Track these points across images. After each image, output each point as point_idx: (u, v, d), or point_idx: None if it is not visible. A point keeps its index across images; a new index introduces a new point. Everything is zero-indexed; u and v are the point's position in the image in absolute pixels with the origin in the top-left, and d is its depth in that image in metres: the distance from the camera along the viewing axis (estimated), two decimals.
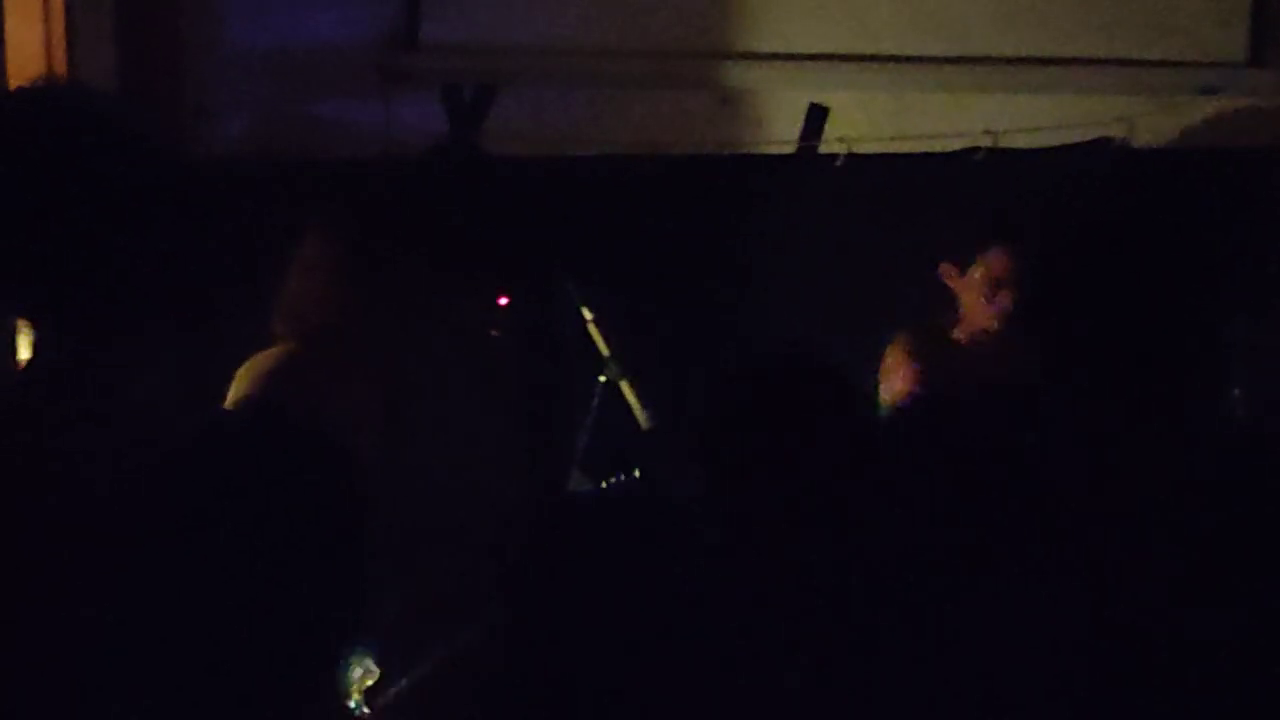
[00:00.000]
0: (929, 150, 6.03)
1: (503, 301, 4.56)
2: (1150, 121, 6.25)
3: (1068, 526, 1.69)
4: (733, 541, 2.58)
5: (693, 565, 2.47)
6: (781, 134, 5.99)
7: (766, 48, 5.95)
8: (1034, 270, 5.09)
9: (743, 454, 2.82)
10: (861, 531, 2.10)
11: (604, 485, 4.33)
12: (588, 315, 4.59)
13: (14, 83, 4.33)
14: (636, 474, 4.32)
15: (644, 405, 4.53)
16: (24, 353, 3.89)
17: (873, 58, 6.02)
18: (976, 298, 5.06)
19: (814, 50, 5.98)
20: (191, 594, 2.02)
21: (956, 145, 6.06)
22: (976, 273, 5.05)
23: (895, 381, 5.09)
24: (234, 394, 3.97)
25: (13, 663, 2.13)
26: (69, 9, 4.67)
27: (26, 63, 4.56)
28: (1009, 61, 6.17)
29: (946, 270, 5.10)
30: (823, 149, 5.99)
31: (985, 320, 5.07)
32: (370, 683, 3.78)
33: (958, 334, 5.15)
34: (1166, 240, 6.08)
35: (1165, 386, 5.32)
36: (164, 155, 2.50)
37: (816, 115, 5.99)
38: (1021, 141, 6.11)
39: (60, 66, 4.66)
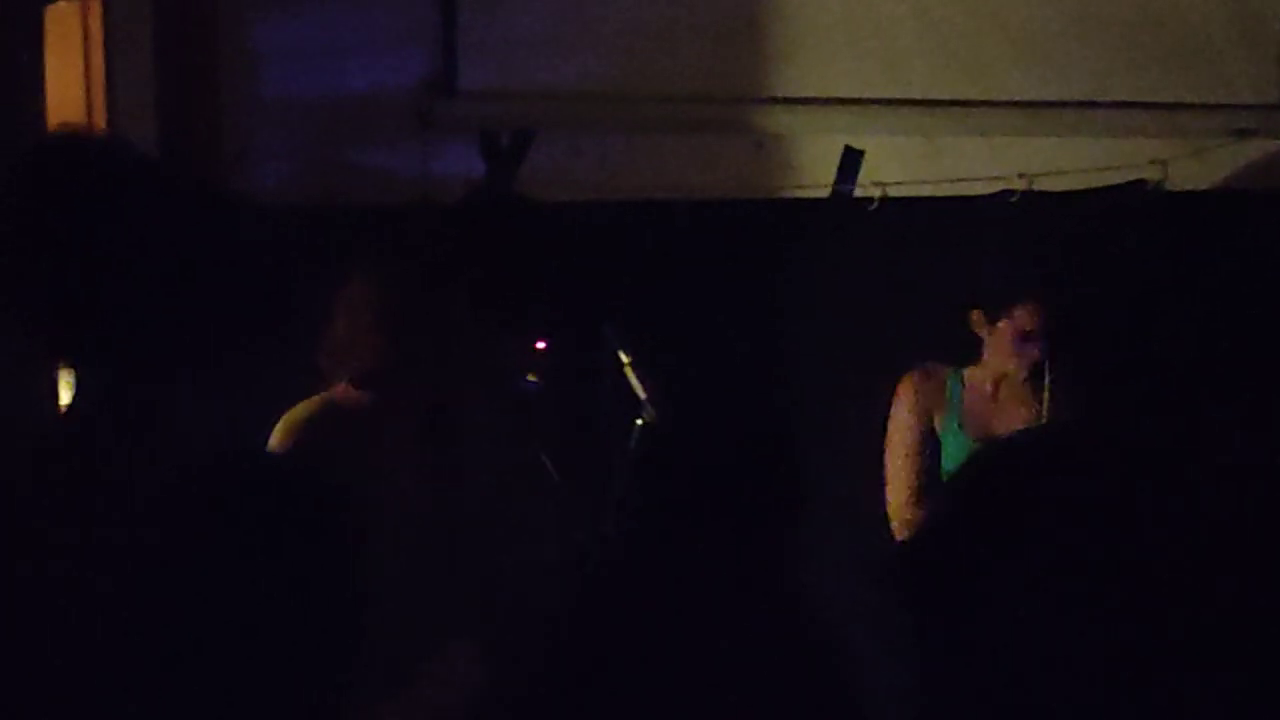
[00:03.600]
0: (963, 193, 6.03)
1: (540, 346, 4.56)
2: (1184, 164, 6.25)
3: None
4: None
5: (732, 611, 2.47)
6: (816, 178, 6.00)
7: (801, 92, 5.96)
8: (1065, 313, 5.08)
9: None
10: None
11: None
12: (625, 359, 4.59)
13: (54, 126, 4.36)
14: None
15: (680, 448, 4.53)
16: (66, 397, 3.93)
17: (906, 101, 6.04)
18: (1004, 346, 5.05)
19: (848, 94, 5.99)
20: (205, 636, 2.05)
21: (990, 188, 6.06)
22: (1006, 325, 5.04)
23: (899, 414, 5.11)
24: (274, 441, 3.98)
25: (39, 683, 2.15)
26: (109, 53, 4.70)
27: (66, 106, 4.58)
28: (1042, 105, 6.18)
29: (977, 319, 5.10)
30: (857, 193, 6.00)
31: (1012, 369, 5.06)
32: None
33: (972, 374, 5.13)
34: (1200, 283, 6.08)
35: (1198, 428, 5.30)
36: (203, 198, 2.51)
37: (851, 159, 6.00)
38: (1055, 184, 6.10)
39: (99, 110, 4.69)
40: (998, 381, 5.11)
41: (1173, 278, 6.03)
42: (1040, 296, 5.00)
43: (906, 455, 5.08)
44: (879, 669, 2.60)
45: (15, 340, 2.63)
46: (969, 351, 5.14)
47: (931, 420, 5.10)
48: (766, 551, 2.86)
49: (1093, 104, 6.21)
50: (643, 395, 4.56)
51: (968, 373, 5.14)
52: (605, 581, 3.98)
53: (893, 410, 5.14)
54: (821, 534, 5.27)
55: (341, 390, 4.09)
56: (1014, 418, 5.04)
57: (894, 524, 5.06)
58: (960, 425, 5.08)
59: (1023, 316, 5.01)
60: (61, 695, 2.11)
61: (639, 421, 4.55)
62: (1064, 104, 6.19)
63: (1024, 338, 5.01)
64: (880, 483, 5.12)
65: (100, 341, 2.42)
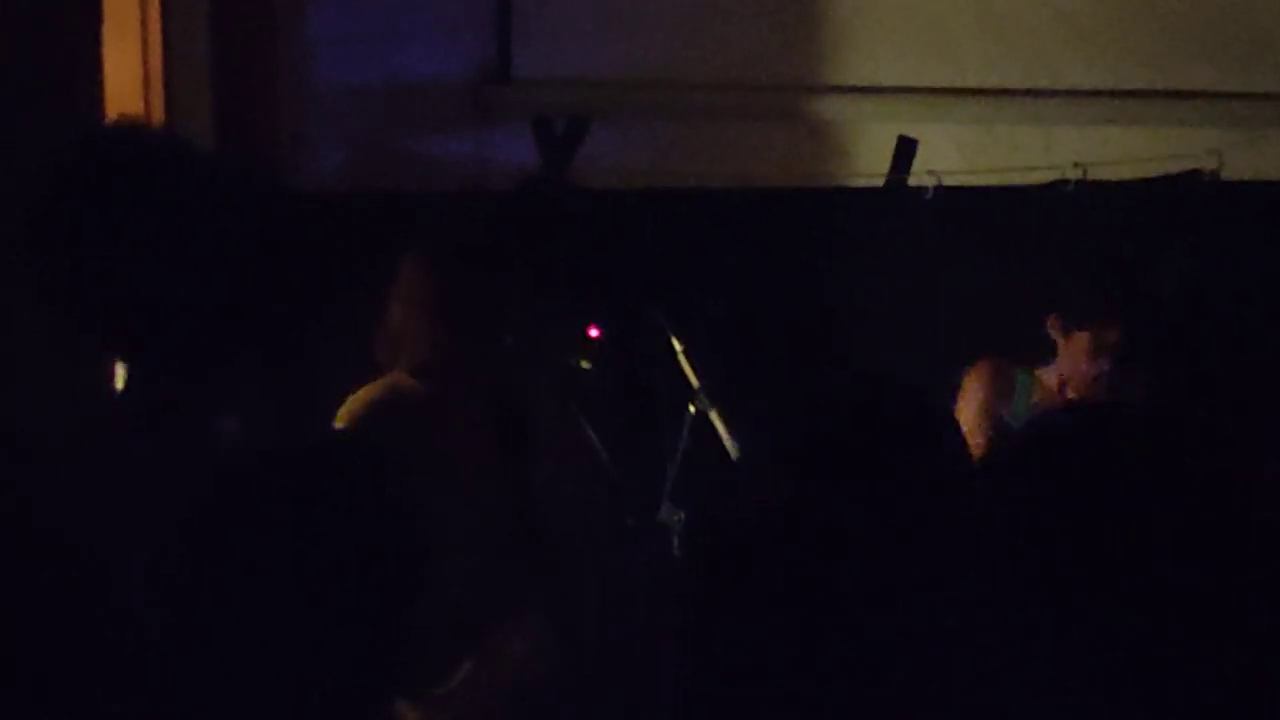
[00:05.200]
0: (1018, 183, 6.01)
1: (594, 333, 4.57)
2: (1240, 153, 6.21)
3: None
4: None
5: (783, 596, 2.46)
6: (871, 166, 5.99)
7: (855, 80, 5.95)
8: (1125, 304, 5.07)
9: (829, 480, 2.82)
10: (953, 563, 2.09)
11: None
12: (678, 346, 4.59)
13: (112, 117, 4.38)
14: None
15: (734, 436, 4.53)
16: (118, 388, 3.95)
17: (962, 90, 6.02)
18: (1079, 355, 5.04)
19: (903, 83, 5.98)
20: (269, 619, 2.06)
21: (1046, 178, 6.04)
22: (1084, 337, 5.02)
23: (968, 406, 5.10)
24: (339, 425, 3.99)
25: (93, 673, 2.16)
26: (166, 41, 4.71)
27: (124, 96, 4.60)
28: (1098, 94, 6.15)
29: (1054, 324, 5.08)
30: (912, 181, 5.99)
31: (1083, 383, 5.05)
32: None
33: (1044, 374, 5.13)
34: (1256, 273, 6.05)
35: (1257, 418, 5.28)
36: (257, 189, 2.52)
37: (906, 148, 5.98)
38: (1111, 174, 6.08)
39: (157, 100, 4.70)
40: (1065, 380, 5.10)
41: (1228, 267, 6.00)
42: (1123, 313, 4.98)
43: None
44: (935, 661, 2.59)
45: (70, 334, 2.64)
46: (1041, 351, 5.13)
47: (999, 412, 5.09)
48: (818, 540, 2.85)
49: (1149, 93, 6.18)
50: (695, 382, 4.56)
51: (1037, 370, 5.14)
52: (656, 565, 3.99)
53: (960, 399, 5.13)
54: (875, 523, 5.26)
55: (399, 377, 4.10)
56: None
57: None
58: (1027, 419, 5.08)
59: (1103, 332, 4.99)
60: (131, 668, 2.13)
61: (691, 408, 4.56)
62: (1120, 93, 6.16)
63: (1095, 353, 5.00)
64: None
65: (158, 334, 2.42)
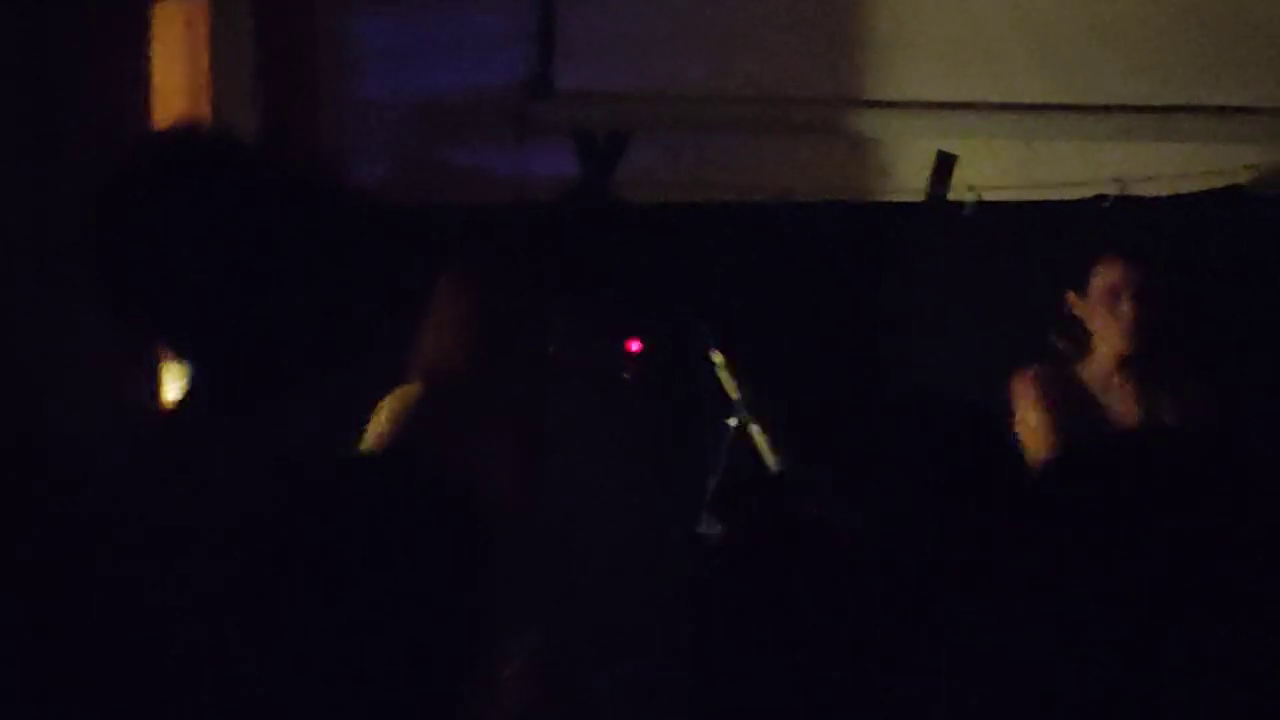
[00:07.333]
0: (1057, 198, 6.01)
1: (634, 346, 4.59)
2: None
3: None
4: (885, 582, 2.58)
5: (832, 609, 2.47)
6: (910, 181, 5.99)
7: (895, 95, 5.95)
8: (1161, 318, 5.05)
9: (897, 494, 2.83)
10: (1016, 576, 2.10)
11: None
12: (717, 359, 4.61)
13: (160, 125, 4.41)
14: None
15: (773, 449, 4.55)
16: (171, 393, 3.97)
17: (1002, 105, 6.01)
18: (1101, 313, 5.02)
19: (943, 98, 5.98)
20: (319, 632, 2.06)
21: (1085, 193, 6.04)
22: (1096, 287, 5.01)
23: (1027, 414, 5.09)
24: (371, 434, 4.01)
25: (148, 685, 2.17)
26: (212, 58, 4.75)
27: (171, 109, 4.63)
28: (1138, 109, 6.13)
29: (1072, 299, 5.07)
30: (951, 196, 5.99)
31: (1115, 341, 5.02)
32: None
33: (1085, 370, 5.12)
34: None
35: None
36: (310, 196, 2.52)
37: (945, 162, 5.98)
38: (1150, 190, 6.07)
39: (202, 110, 4.73)
40: (1107, 378, 5.09)
41: (1266, 284, 5.98)
42: (1124, 251, 4.98)
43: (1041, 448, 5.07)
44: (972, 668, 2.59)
45: (121, 334, 2.64)
46: (1075, 347, 5.11)
47: (1054, 414, 5.08)
48: (862, 554, 2.86)
49: (1189, 109, 6.15)
50: (735, 395, 4.58)
51: (1079, 370, 5.12)
52: (698, 578, 4.00)
53: (1017, 408, 5.12)
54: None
55: (440, 387, 4.11)
56: (1125, 414, 5.03)
57: None
58: (1071, 422, 5.07)
59: (1108, 271, 4.98)
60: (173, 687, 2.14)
61: (731, 422, 4.58)
62: (1160, 109, 6.14)
63: (1114, 293, 4.98)
64: None
65: (212, 337, 2.42)
